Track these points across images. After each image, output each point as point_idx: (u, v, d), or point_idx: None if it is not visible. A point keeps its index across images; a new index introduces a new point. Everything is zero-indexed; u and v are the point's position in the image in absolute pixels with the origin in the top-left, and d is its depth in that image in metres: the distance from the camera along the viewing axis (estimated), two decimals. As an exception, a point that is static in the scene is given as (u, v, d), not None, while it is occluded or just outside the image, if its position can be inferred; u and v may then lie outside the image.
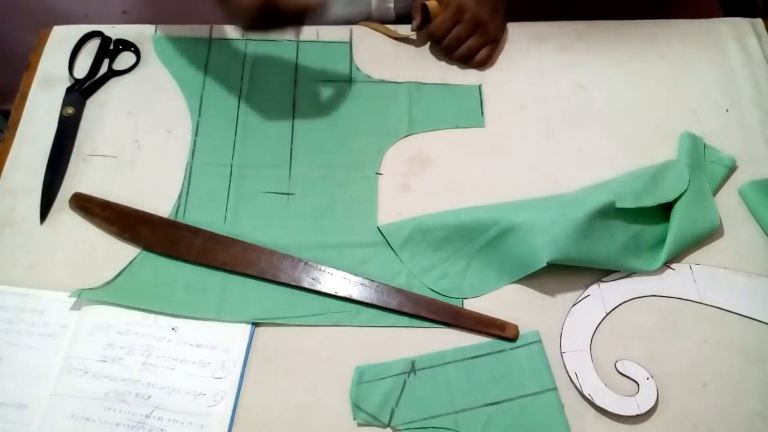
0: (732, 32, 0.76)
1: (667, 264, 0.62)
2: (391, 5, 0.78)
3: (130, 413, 0.55)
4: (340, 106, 0.72)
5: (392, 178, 0.68)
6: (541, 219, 0.60)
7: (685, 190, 0.63)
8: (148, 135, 0.70)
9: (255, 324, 0.59)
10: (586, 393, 0.56)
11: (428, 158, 0.69)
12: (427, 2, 0.72)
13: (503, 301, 0.60)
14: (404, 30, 0.77)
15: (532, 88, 0.73)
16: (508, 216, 0.61)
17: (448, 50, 0.74)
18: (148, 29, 0.77)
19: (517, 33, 0.77)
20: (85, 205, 0.65)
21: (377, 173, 0.68)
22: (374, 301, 0.60)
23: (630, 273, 0.61)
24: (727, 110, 0.71)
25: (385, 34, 0.77)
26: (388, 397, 0.56)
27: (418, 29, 0.75)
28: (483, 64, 0.74)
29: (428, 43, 0.76)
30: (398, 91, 0.73)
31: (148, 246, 0.63)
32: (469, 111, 0.72)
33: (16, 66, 0.77)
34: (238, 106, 0.72)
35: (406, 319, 0.60)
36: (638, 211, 0.62)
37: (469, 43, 0.73)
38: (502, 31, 0.76)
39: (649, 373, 0.56)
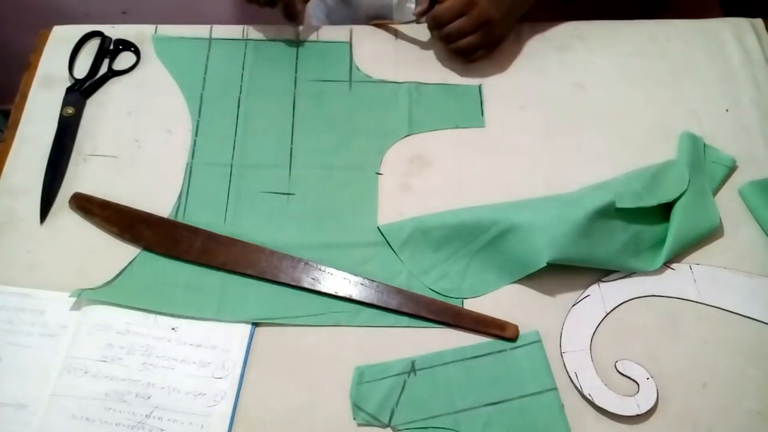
0: (732, 32, 0.76)
1: (667, 264, 0.62)
2: (412, 5, 0.77)
3: (130, 413, 0.55)
4: (340, 106, 0.72)
5: (392, 178, 0.67)
6: (541, 219, 0.60)
7: (685, 190, 0.63)
8: (148, 135, 0.70)
9: (255, 324, 0.59)
10: (586, 393, 0.55)
11: (428, 158, 0.69)
12: None
13: (503, 301, 0.60)
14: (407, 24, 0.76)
15: (532, 88, 0.73)
16: (508, 216, 0.61)
17: (446, 39, 0.71)
18: (148, 29, 0.77)
19: (517, 33, 0.77)
20: (84, 205, 0.65)
21: (377, 173, 0.68)
22: (374, 301, 0.60)
23: (630, 273, 0.61)
24: (727, 110, 0.71)
25: (386, 25, 0.76)
26: (388, 397, 0.56)
27: (420, 15, 0.72)
28: (476, 61, 0.73)
29: (428, 43, 0.76)
30: (398, 91, 0.73)
31: (148, 246, 0.63)
32: (469, 111, 0.72)
33: (16, 66, 0.77)
34: (238, 106, 0.72)
35: (406, 319, 0.60)
36: (638, 211, 0.62)
37: (470, 39, 0.70)
38: (508, 34, 0.75)
39: (649, 373, 0.56)
